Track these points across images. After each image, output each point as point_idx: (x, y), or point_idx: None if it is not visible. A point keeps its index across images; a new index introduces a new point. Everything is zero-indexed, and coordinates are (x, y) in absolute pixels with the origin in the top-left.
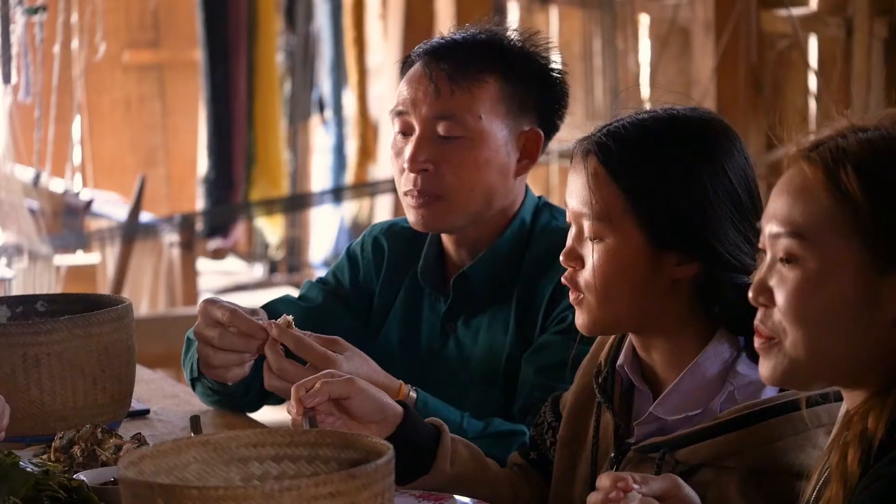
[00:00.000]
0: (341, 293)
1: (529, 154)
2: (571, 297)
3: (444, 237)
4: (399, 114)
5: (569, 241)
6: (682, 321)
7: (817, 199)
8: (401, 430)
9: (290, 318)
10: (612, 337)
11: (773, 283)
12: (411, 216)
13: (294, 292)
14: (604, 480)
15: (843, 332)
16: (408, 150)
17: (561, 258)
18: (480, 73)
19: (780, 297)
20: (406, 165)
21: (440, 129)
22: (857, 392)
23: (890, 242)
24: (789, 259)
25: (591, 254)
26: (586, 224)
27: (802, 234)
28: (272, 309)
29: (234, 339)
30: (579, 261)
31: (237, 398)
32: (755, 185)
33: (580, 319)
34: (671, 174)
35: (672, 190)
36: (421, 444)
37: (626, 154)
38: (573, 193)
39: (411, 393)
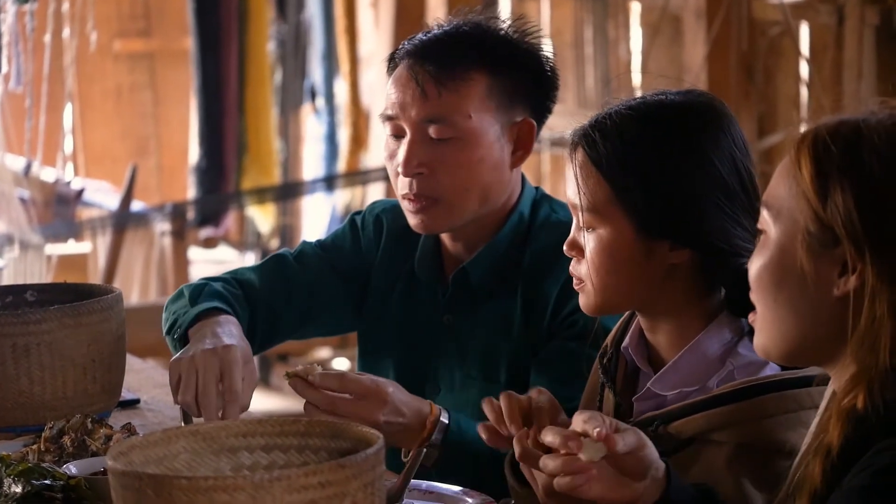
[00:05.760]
0: (338, 263)
1: (524, 145)
2: (574, 282)
3: None
4: (389, 118)
5: (571, 232)
6: (686, 303)
7: (787, 176)
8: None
9: (318, 368)
10: (619, 320)
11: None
12: (410, 220)
13: None
14: (549, 437)
15: (796, 305)
16: (401, 155)
17: (564, 248)
18: (467, 72)
19: (750, 266)
20: (400, 170)
21: (431, 131)
22: (840, 371)
23: (826, 221)
24: (760, 229)
25: (586, 244)
26: (580, 215)
27: (768, 205)
28: (268, 266)
29: (210, 409)
30: (579, 250)
31: None
32: (746, 168)
33: (582, 301)
34: (652, 163)
35: (654, 179)
36: None
37: (609, 145)
38: (568, 185)
39: (442, 416)
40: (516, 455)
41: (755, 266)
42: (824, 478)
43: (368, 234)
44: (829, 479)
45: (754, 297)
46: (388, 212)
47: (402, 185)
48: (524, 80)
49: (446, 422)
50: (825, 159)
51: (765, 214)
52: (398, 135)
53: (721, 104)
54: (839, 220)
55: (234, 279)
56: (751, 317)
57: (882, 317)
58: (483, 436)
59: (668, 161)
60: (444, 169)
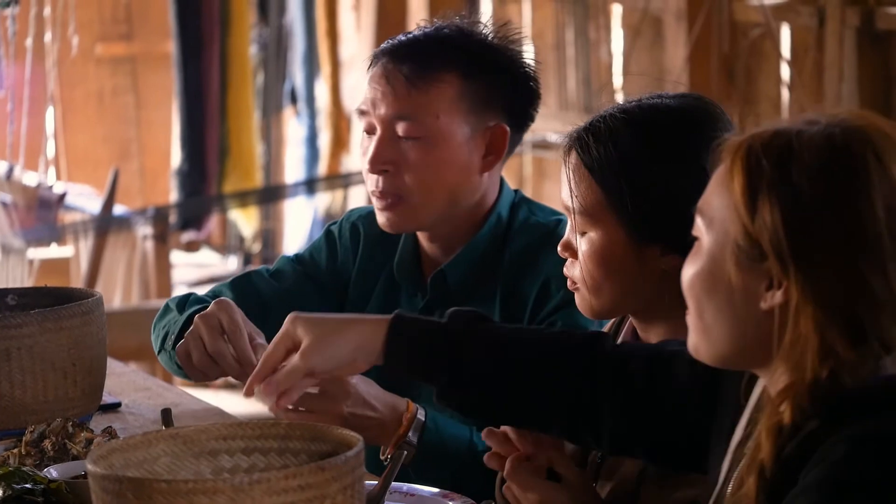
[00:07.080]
0: (316, 275)
1: (495, 149)
2: (569, 283)
3: (419, 233)
4: (362, 113)
5: (566, 233)
6: (681, 307)
7: (721, 185)
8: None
9: None
10: (612, 320)
11: None
12: (378, 218)
13: None
14: None
15: (724, 315)
16: (369, 151)
17: (558, 249)
18: (438, 73)
19: (683, 272)
20: (367, 166)
21: (399, 129)
22: (773, 376)
23: (754, 236)
24: (695, 236)
25: (579, 247)
26: (573, 218)
27: (703, 213)
28: (246, 282)
29: (225, 356)
30: (573, 252)
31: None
32: None
33: (579, 302)
34: (643, 168)
35: (645, 184)
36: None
37: (602, 149)
38: (562, 188)
39: (419, 413)
40: (506, 472)
41: (687, 273)
42: (759, 495)
43: (345, 243)
44: (765, 495)
45: (687, 301)
46: (364, 218)
47: (370, 182)
48: (500, 85)
49: (423, 419)
50: (756, 173)
51: (699, 222)
52: (370, 131)
53: (716, 108)
54: (766, 235)
55: (211, 297)
56: (687, 315)
57: (807, 333)
58: (492, 465)
59: (658, 166)
60: (408, 168)
